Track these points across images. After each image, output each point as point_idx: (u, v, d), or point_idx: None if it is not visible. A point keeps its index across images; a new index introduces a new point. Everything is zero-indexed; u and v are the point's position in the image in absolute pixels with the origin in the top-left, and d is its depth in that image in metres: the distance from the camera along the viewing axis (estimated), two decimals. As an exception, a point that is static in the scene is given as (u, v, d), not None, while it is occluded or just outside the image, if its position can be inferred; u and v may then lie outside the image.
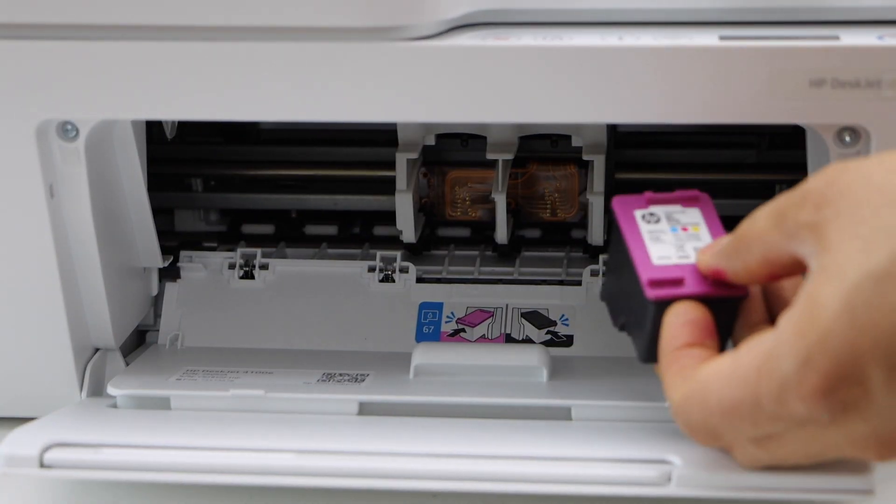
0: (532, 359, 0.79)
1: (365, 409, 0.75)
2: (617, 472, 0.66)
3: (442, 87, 0.70)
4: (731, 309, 0.67)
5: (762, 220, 0.63)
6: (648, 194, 0.71)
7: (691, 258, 0.68)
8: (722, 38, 0.69)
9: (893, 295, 0.56)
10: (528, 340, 0.84)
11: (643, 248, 0.69)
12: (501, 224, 0.88)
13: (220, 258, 0.88)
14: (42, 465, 0.68)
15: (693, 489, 0.66)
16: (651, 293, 0.67)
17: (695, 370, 0.64)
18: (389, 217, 0.89)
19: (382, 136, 0.90)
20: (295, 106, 0.71)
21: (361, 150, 0.93)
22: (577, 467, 0.67)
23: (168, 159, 0.89)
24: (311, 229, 0.94)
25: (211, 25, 0.69)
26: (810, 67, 0.68)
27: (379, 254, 0.88)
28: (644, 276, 0.67)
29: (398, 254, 0.88)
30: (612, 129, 0.87)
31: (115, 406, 0.77)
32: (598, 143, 0.86)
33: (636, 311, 0.68)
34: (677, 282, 0.67)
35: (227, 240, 0.92)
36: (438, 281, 0.88)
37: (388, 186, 0.89)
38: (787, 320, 0.60)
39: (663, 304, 0.67)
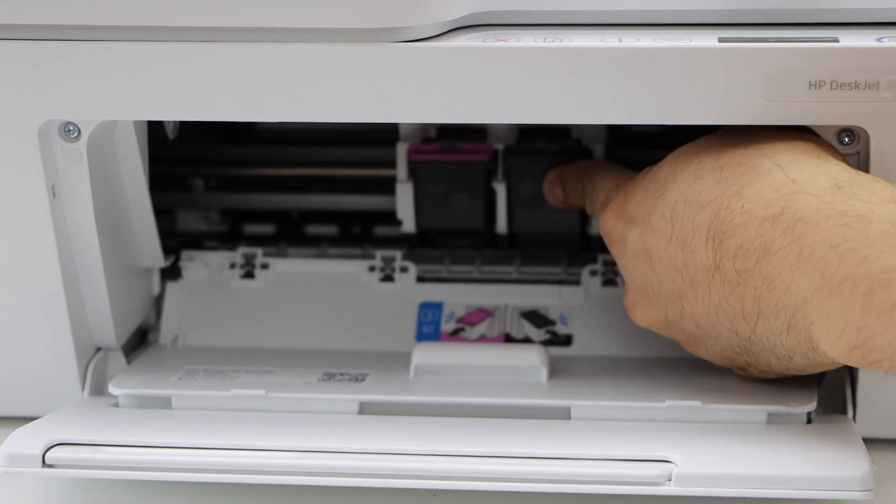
0: (531, 358, 0.79)
1: (365, 409, 0.75)
2: (616, 471, 0.67)
3: (442, 89, 0.70)
4: None
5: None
6: None
7: None
8: (721, 39, 0.69)
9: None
10: (527, 340, 0.84)
11: None
12: (501, 213, 0.88)
13: (221, 258, 0.89)
14: (44, 465, 0.69)
15: (693, 488, 0.66)
16: None
17: None
18: (389, 217, 0.89)
19: (383, 136, 0.90)
20: (296, 107, 0.71)
21: (361, 150, 0.93)
22: (577, 466, 0.67)
23: (169, 159, 0.89)
24: (312, 229, 0.94)
25: (212, 26, 0.69)
26: (809, 69, 0.68)
27: (379, 253, 0.88)
28: None
29: (398, 253, 0.88)
30: (611, 128, 0.88)
31: (116, 405, 0.77)
32: (596, 139, 0.87)
33: None
34: None
35: (228, 240, 0.92)
36: (438, 280, 0.88)
37: (388, 186, 0.89)
38: None
39: None
